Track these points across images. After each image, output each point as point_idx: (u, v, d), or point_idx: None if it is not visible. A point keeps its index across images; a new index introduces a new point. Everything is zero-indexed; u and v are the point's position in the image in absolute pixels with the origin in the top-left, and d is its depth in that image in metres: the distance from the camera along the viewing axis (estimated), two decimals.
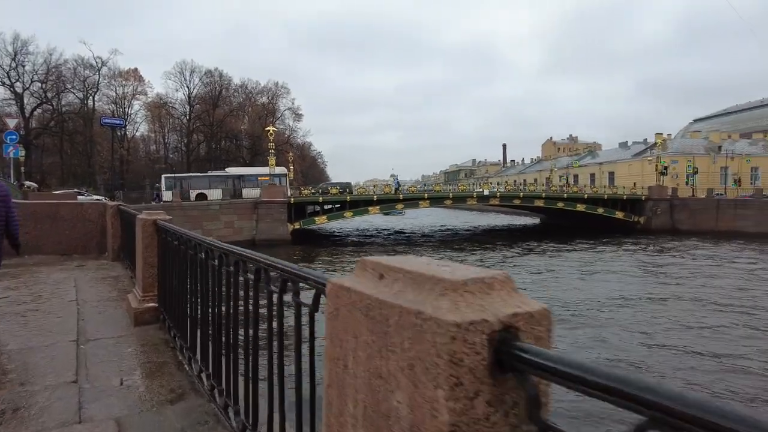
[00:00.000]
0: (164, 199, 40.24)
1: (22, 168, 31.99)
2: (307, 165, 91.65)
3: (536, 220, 64.44)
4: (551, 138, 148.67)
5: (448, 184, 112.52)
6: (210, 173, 47.35)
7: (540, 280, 22.29)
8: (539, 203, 44.92)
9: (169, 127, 71.10)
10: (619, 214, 46.94)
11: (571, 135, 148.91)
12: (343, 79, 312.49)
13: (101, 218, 8.67)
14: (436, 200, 41.66)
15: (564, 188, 52.82)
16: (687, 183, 60.91)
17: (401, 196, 40.20)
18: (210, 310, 2.88)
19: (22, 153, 30.00)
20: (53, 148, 56.16)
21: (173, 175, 45.59)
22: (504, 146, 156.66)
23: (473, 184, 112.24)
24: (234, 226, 34.69)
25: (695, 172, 54.60)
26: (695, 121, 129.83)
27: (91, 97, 58.04)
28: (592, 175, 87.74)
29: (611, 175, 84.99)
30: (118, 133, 60.53)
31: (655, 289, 20.10)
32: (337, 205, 41.22)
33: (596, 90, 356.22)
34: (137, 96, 64.13)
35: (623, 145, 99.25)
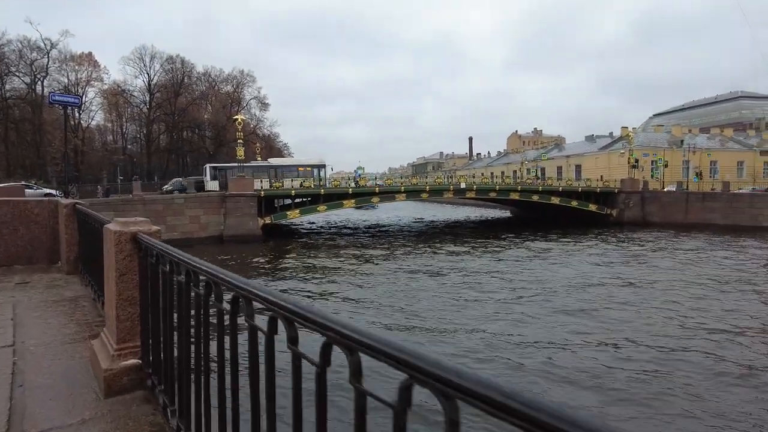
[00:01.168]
0: (208, 188, 39.38)
1: None
2: (274, 157, 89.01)
3: (507, 213, 64.37)
4: (516, 131, 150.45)
5: (423, 176, 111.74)
6: (253, 163, 47.08)
7: (529, 276, 21.52)
8: (514, 196, 44.43)
9: (127, 117, 67.19)
10: (592, 207, 47.14)
11: (535, 128, 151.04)
12: (309, 72, 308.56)
13: (52, 219, 6.93)
14: (413, 193, 40.46)
15: (537, 181, 52.65)
16: (652, 176, 61.98)
17: (377, 189, 38.78)
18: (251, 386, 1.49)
19: None
20: None
21: (217, 164, 44.38)
22: (470, 139, 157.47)
23: (442, 176, 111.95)
24: (200, 221, 32.54)
25: (666, 165, 55.43)
26: (655, 115, 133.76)
27: (39, 82, 53.80)
28: (559, 168, 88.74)
29: (578, 168, 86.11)
30: (72, 120, 56.50)
31: (636, 289, 19.55)
32: (308, 199, 39.47)
33: (557, 86, 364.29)
34: (92, 82, 60.03)
35: (589, 138, 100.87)
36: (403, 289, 19.04)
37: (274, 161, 47.09)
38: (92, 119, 65.12)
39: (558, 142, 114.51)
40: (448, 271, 22.63)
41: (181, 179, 45.64)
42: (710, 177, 68.29)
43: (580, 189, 46.81)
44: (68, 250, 6.19)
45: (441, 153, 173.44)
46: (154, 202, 31.57)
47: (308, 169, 44.91)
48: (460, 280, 20.69)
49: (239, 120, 36.89)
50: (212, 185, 40.52)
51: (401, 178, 49.58)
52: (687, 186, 54.68)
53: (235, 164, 45.22)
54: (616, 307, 16.00)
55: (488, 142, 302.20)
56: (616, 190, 47.72)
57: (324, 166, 46.19)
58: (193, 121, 64.86)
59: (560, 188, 46.18)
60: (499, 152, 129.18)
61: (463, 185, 41.83)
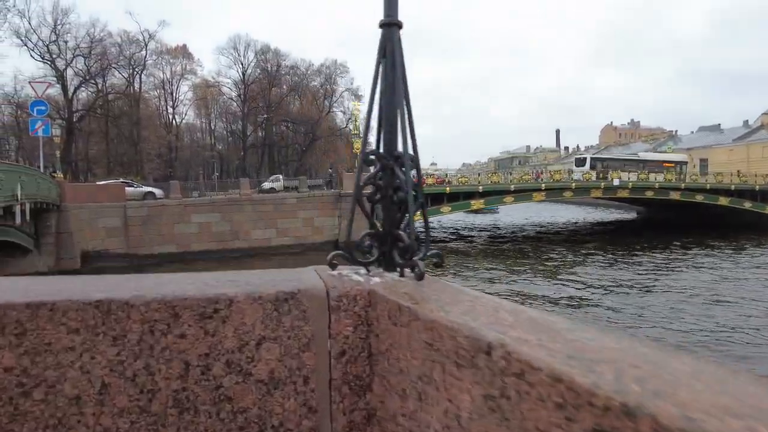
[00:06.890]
0: (576, 178, 36.30)
1: (58, 152, 25.41)
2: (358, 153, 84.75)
3: (633, 214, 55.65)
4: (611, 123, 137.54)
5: (507, 172, 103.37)
6: (625, 156, 45.76)
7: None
8: (675, 196, 36.31)
9: (217, 112, 64.98)
10: None
11: (632, 119, 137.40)
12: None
13: None
14: (554, 191, 33.67)
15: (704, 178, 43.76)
16: None
17: (512, 187, 32.38)
18: None
19: (56, 132, 23.28)
20: (99, 133, 50.52)
21: (595, 156, 43.55)
22: (557, 132, 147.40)
23: (530, 172, 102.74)
24: (314, 224, 27.77)
25: None
26: None
27: (137, 76, 52.02)
28: None
29: (703, 162, 75.16)
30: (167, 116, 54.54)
31: None
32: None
33: (636, 81, 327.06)
34: (186, 76, 57.92)
35: (711, 128, 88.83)
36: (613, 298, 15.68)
37: (642, 155, 45.41)
38: (186, 114, 63.51)
39: (672, 134, 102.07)
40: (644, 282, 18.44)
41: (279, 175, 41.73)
42: None
43: (757, 187, 37.75)
44: None
45: (528, 147, 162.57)
46: (263, 202, 27.16)
47: (672, 165, 42.69)
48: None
49: (357, 107, 31.82)
50: (592, 175, 37.10)
51: (481, 174, 42.48)
52: None
53: (612, 156, 44.25)
54: None
55: (572, 136, 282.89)
56: None
57: (686, 162, 44.16)
58: (286, 115, 61.37)
59: (732, 186, 37.42)
60: (593, 146, 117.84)
61: (616, 182, 34.40)
